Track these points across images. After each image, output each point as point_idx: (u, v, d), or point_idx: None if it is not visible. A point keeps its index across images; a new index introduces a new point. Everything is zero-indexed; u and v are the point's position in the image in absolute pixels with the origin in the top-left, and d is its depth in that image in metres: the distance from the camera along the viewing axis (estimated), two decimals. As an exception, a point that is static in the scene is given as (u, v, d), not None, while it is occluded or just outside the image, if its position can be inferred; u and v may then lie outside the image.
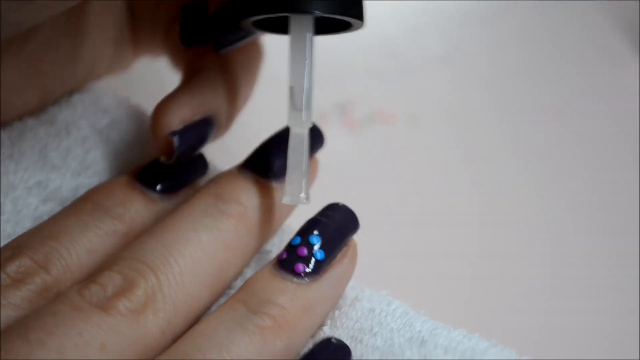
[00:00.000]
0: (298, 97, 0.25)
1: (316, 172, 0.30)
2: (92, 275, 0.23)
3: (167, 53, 0.33)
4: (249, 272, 0.27)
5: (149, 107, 0.34)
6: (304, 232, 0.25)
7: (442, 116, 0.46)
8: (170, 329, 0.23)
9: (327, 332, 0.25)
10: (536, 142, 0.46)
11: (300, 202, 0.26)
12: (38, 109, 0.31)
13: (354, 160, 0.42)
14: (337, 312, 0.25)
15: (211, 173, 0.30)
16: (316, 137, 0.30)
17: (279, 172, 0.27)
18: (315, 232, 0.25)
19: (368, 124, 0.44)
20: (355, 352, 0.24)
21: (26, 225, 0.27)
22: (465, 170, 0.43)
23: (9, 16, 0.23)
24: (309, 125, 0.26)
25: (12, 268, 0.23)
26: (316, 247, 0.24)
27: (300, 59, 0.25)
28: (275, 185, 0.27)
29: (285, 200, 0.26)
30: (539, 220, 0.41)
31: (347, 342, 0.24)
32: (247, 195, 0.27)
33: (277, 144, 0.28)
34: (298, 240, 0.25)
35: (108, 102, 0.32)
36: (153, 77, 0.35)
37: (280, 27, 0.27)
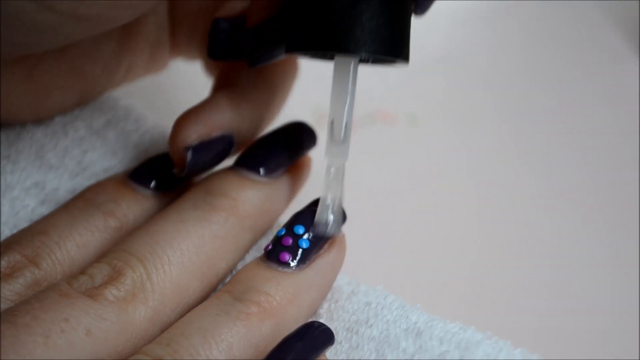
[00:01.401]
0: (337, 131, 0.25)
1: (309, 170, 0.30)
2: (82, 269, 0.23)
3: (201, 59, 0.33)
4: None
5: (145, 107, 0.34)
6: (289, 223, 0.25)
7: (442, 116, 0.46)
8: (159, 319, 0.23)
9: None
10: (536, 141, 0.45)
11: (328, 233, 0.25)
12: (76, 107, 0.31)
13: (354, 160, 0.42)
14: (333, 305, 0.25)
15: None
16: (309, 136, 0.30)
17: (270, 168, 0.28)
18: (300, 223, 0.25)
19: (368, 124, 0.44)
20: (351, 342, 0.24)
21: (24, 226, 0.27)
22: (465, 170, 0.43)
23: (62, 31, 0.23)
24: (346, 159, 0.26)
25: (2, 263, 0.23)
26: (301, 237, 0.25)
27: (342, 93, 0.25)
28: (266, 180, 0.28)
29: (316, 230, 0.25)
30: (537, 218, 0.41)
31: (343, 333, 0.24)
32: (237, 189, 0.27)
33: (269, 141, 0.28)
34: (283, 231, 0.25)
35: (104, 102, 0.32)
36: (150, 77, 0.35)
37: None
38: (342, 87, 0.25)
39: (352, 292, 0.26)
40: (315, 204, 0.26)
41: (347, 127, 0.25)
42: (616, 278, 0.38)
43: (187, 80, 0.40)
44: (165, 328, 0.23)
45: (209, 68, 0.33)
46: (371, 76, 0.46)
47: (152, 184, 0.28)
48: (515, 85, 0.49)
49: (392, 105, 0.46)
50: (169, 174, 0.28)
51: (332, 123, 0.25)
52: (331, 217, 0.25)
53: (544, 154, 0.45)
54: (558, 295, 0.37)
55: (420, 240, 0.39)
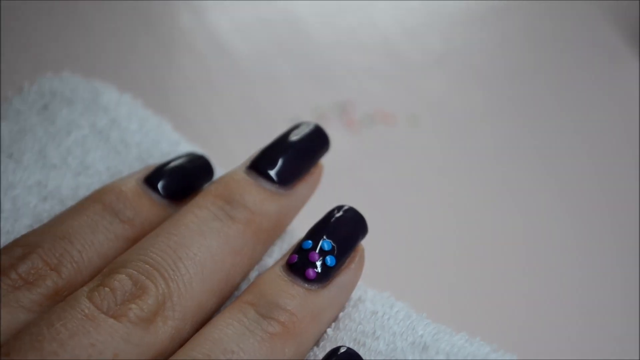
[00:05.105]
0: None
1: (320, 177, 0.29)
2: (101, 276, 0.23)
3: None
4: (252, 274, 0.27)
5: (148, 105, 0.34)
6: (315, 235, 0.25)
7: (442, 116, 0.46)
8: (178, 336, 0.23)
9: (330, 333, 0.25)
10: (536, 141, 0.46)
11: None
12: None
13: (354, 160, 0.42)
14: (340, 313, 0.25)
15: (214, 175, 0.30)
16: (321, 141, 0.29)
17: (288, 179, 0.27)
18: (327, 237, 0.25)
19: (368, 124, 0.44)
20: None
21: (25, 222, 0.27)
22: (465, 170, 0.43)
23: None
24: None
25: (24, 268, 0.23)
26: (328, 253, 0.24)
27: None
28: (283, 192, 0.27)
29: None
30: (539, 219, 0.41)
31: (350, 345, 0.24)
32: (254, 200, 0.26)
33: (287, 148, 0.28)
34: (309, 244, 0.25)
35: (108, 101, 0.32)
36: (152, 75, 0.35)
37: None
38: None
39: (359, 298, 0.26)
40: (340, 211, 0.26)
41: None
42: (618, 280, 0.38)
43: (189, 80, 0.40)
44: (184, 342, 0.23)
45: None
46: (371, 76, 0.46)
47: (168, 192, 0.27)
48: (515, 85, 0.49)
49: (392, 105, 0.46)
50: (184, 182, 0.28)
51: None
52: None
53: (544, 153, 0.45)
54: (566, 304, 0.37)
55: (420, 240, 0.39)
